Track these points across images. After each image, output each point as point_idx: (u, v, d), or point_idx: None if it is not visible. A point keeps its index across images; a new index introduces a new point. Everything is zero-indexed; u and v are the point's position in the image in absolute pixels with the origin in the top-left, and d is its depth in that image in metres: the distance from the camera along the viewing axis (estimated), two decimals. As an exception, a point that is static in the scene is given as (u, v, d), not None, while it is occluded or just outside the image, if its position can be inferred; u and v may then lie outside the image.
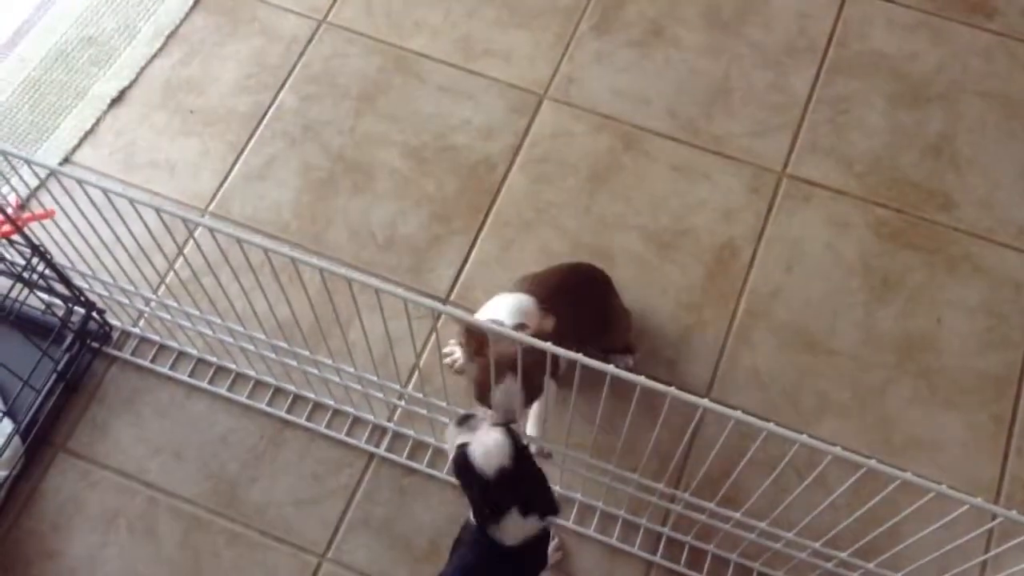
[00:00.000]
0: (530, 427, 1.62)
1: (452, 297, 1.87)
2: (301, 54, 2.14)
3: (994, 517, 1.15)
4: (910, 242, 1.93)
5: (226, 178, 2.00)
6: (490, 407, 1.43)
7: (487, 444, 1.28)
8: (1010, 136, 2.04)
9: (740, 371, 1.81)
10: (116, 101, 2.09)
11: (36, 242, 1.56)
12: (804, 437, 1.14)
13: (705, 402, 1.16)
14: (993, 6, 2.20)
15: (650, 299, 1.85)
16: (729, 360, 1.82)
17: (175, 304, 1.64)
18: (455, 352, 1.79)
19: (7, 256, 1.62)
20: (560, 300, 1.57)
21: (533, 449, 1.61)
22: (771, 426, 1.14)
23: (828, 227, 1.95)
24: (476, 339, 1.40)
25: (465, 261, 1.91)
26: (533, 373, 1.34)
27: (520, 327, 1.43)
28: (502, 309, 1.51)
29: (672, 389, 1.15)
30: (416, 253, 1.92)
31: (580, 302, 1.64)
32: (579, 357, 1.16)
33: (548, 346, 1.17)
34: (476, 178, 2.00)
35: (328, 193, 1.98)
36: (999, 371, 1.81)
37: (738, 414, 1.15)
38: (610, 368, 1.16)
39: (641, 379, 1.16)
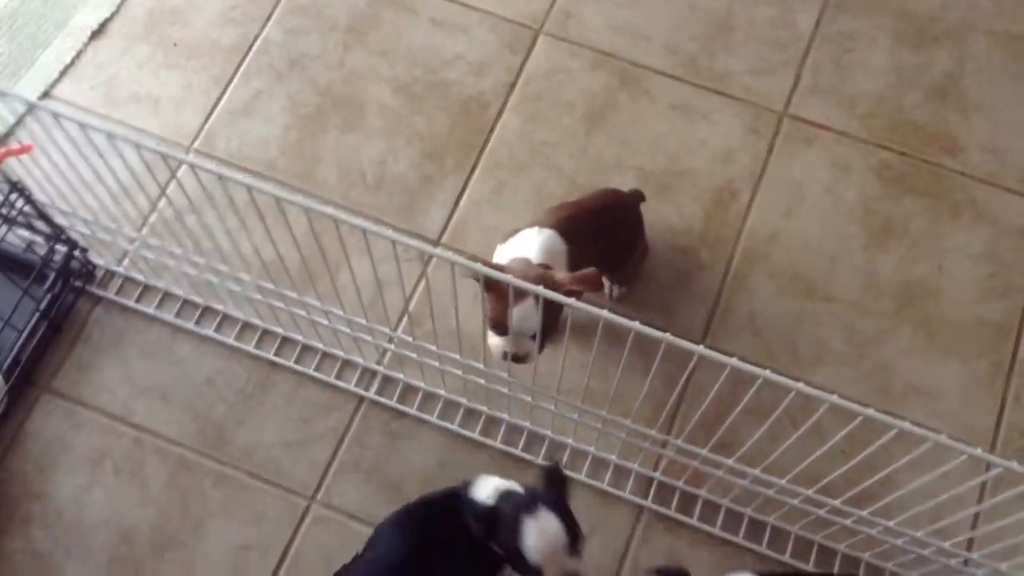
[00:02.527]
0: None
1: (444, 239, 1.83)
2: (288, -15, 2.07)
3: (989, 467, 1.12)
4: (913, 187, 1.89)
5: (211, 113, 1.94)
6: (505, 333, 1.40)
7: (544, 531, 1.26)
8: (1018, 78, 1.99)
9: (736, 316, 1.77)
10: (97, 33, 2.02)
11: (14, 178, 1.51)
12: (800, 385, 1.12)
13: (700, 349, 1.13)
14: (1005, -58, 2.13)
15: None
16: (725, 305, 1.78)
17: (158, 243, 1.59)
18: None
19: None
20: (590, 232, 1.53)
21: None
22: (767, 373, 1.11)
23: (829, 170, 1.90)
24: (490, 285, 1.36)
25: (457, 202, 1.87)
26: (554, 307, 1.31)
27: (545, 268, 1.42)
28: (529, 247, 1.47)
29: (667, 335, 1.12)
30: (407, 193, 1.87)
31: (609, 234, 1.60)
32: (603, 313, 1.12)
33: (572, 302, 1.13)
34: (469, 116, 1.94)
35: (316, 130, 1.92)
36: (999, 319, 1.78)
37: (734, 361, 1.12)
38: (604, 313, 1.12)
39: (636, 324, 1.12)
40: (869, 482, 1.31)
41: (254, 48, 2.00)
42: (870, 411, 1.11)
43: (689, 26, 2.04)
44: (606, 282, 1.75)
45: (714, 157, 1.91)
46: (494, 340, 1.45)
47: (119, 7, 2.04)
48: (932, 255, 1.83)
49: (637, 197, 1.72)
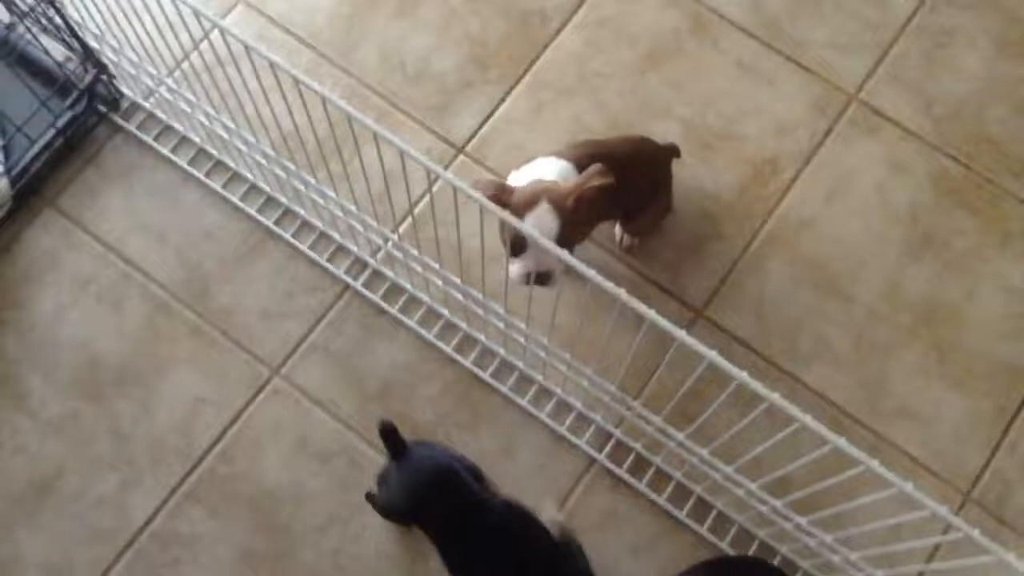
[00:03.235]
0: None
1: (468, 148, 1.78)
2: None
3: (947, 530, 1.05)
4: (968, 203, 1.76)
5: (271, -32, 1.90)
6: (523, 249, 1.36)
7: None
8: (1118, 114, 1.83)
9: (743, 294, 1.70)
10: None
11: (49, -11, 1.50)
12: (775, 397, 1.04)
13: (682, 335, 1.06)
14: None
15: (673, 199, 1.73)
16: (735, 280, 1.71)
17: (175, 87, 1.57)
18: None
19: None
20: (612, 174, 1.44)
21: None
22: (743, 376, 1.04)
23: (885, 166, 1.79)
24: (498, 197, 1.34)
25: (491, 114, 1.80)
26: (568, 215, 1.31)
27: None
28: (543, 174, 1.41)
29: (651, 313, 1.06)
30: (444, 93, 1.82)
31: (629, 183, 1.50)
32: (592, 275, 1.08)
33: (565, 255, 1.09)
34: (527, 27, 1.86)
35: (368, 8, 1.87)
36: (1019, 362, 1.67)
37: (713, 355, 1.06)
38: (593, 274, 1.06)
39: (622, 293, 1.07)
40: (818, 486, 1.24)
41: (330, -90, 1.95)
42: (841, 441, 1.03)
43: (782, -17, 1.91)
44: (617, 230, 1.69)
45: (768, 127, 1.81)
46: (515, 268, 1.39)
47: None
48: (967, 279, 1.71)
49: (670, 151, 1.64)
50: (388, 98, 1.80)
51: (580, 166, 1.43)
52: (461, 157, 1.77)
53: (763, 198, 1.76)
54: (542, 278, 1.37)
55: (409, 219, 1.70)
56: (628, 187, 1.53)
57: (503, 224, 1.36)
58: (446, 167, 1.76)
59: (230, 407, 1.64)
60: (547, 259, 1.36)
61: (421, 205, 1.72)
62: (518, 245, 1.36)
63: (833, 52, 1.86)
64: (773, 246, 1.73)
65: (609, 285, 1.07)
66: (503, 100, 1.81)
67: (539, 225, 1.33)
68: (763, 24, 1.87)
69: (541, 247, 1.27)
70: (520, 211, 1.33)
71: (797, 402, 1.16)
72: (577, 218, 1.35)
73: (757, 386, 1.03)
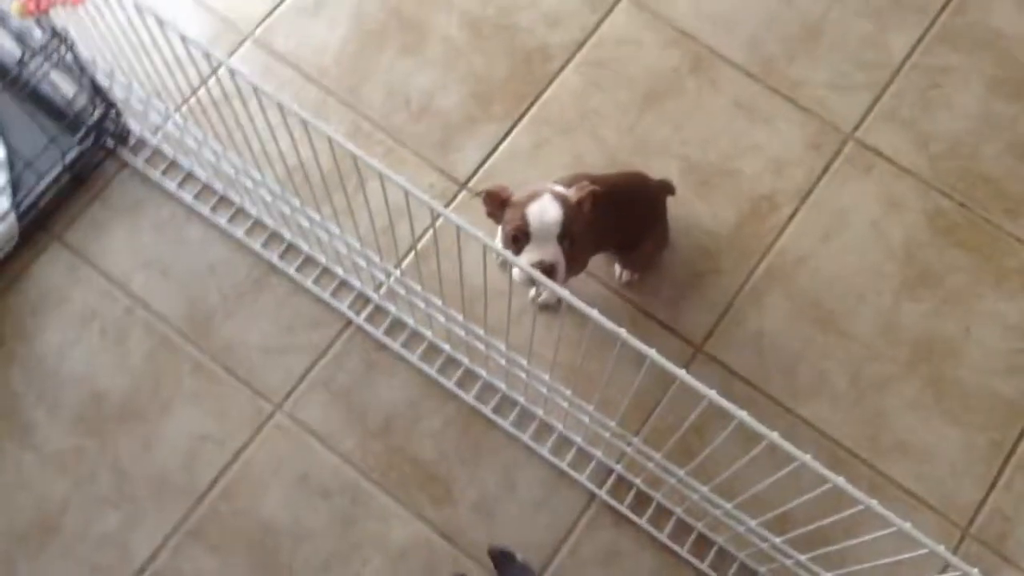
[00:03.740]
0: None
1: (472, 183, 1.80)
2: None
3: (946, 568, 1.06)
4: (963, 240, 1.78)
5: (278, 5, 1.93)
6: (526, 239, 1.37)
7: None
8: (1110, 153, 1.86)
9: (742, 330, 1.71)
10: (189, -97, 2.01)
11: (57, 28, 1.52)
12: (774, 436, 1.06)
13: (682, 374, 1.08)
14: None
15: (671, 235, 1.75)
16: (734, 316, 1.72)
17: (183, 123, 1.60)
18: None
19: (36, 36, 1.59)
20: (601, 205, 1.46)
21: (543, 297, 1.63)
22: (743, 415, 1.06)
23: (881, 204, 1.81)
24: (495, 200, 1.41)
25: (494, 150, 1.83)
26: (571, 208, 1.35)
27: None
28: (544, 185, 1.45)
29: (652, 352, 1.08)
30: (447, 129, 1.84)
31: (621, 213, 1.54)
32: (593, 313, 1.09)
33: (566, 295, 1.11)
34: (529, 66, 1.89)
35: (375, 47, 1.90)
36: (1016, 397, 1.69)
37: (712, 394, 1.07)
38: (594, 313, 1.08)
39: (622, 332, 1.08)
40: (817, 525, 1.26)
41: (335, -49, 1.98)
42: (840, 479, 1.05)
43: (778, 24, 1.94)
44: (616, 267, 1.71)
45: (765, 164, 1.83)
46: (516, 270, 1.39)
47: None
48: (963, 315, 1.73)
49: (664, 187, 1.66)
50: (392, 134, 1.82)
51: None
52: (464, 193, 1.79)
53: (761, 235, 1.78)
54: (547, 271, 1.37)
55: (412, 255, 1.72)
56: (623, 219, 1.56)
57: (507, 220, 1.39)
58: (449, 203, 1.78)
59: (232, 443, 1.64)
60: (551, 248, 1.37)
61: (424, 240, 1.74)
62: (522, 232, 1.37)
63: (830, 91, 1.89)
64: (771, 282, 1.75)
65: (609, 324, 1.09)
66: (505, 137, 1.84)
67: (543, 211, 1.36)
68: (760, 64, 1.91)
69: (544, 236, 1.29)
70: (523, 204, 1.37)
71: (796, 438, 1.18)
72: (580, 214, 1.38)
73: (757, 425, 1.05)
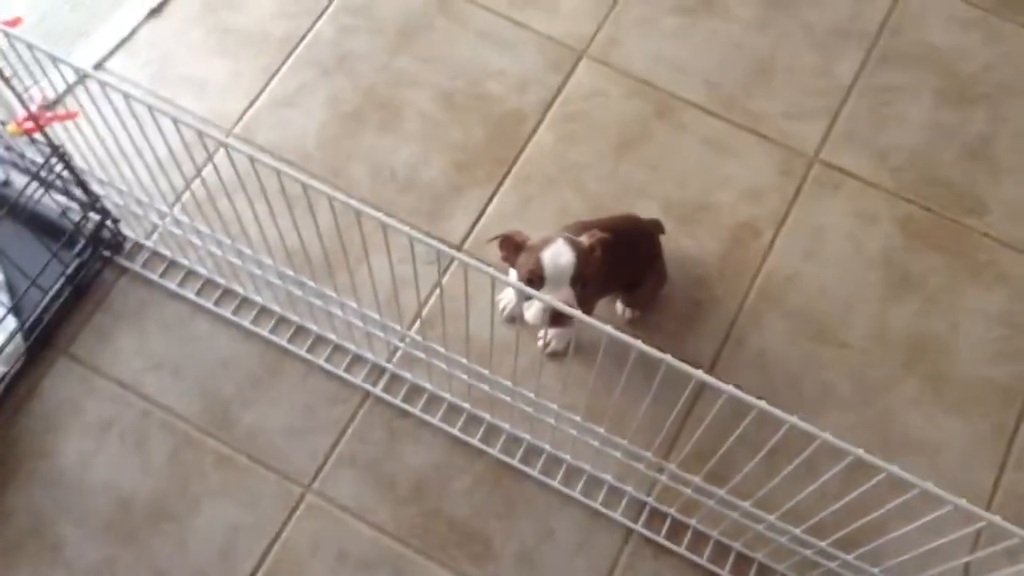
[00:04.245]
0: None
1: (466, 246, 1.86)
2: (343, -15, 2.12)
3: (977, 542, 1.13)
4: (936, 242, 1.89)
5: (254, 101, 1.99)
6: (541, 282, 1.43)
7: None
8: (1052, 146, 1.99)
9: (745, 352, 1.78)
10: (155, 12, 2.08)
11: (57, 143, 1.56)
12: (794, 419, 1.13)
13: (700, 373, 1.14)
14: (1054, 11, 2.13)
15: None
16: (735, 340, 1.80)
17: (187, 220, 1.63)
18: (506, 297, 1.79)
19: (27, 155, 1.63)
20: (613, 248, 1.53)
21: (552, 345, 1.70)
22: (762, 404, 1.12)
23: (854, 218, 1.91)
24: (509, 244, 1.48)
25: (483, 212, 1.89)
26: (585, 258, 1.43)
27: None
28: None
29: (667, 357, 1.14)
30: (435, 199, 1.90)
31: (623, 253, 1.60)
32: (607, 329, 1.15)
33: (580, 314, 1.17)
34: (504, 130, 1.97)
35: (354, 128, 1.96)
36: (1008, 382, 1.78)
37: (731, 388, 1.13)
38: (608, 329, 1.14)
39: (638, 343, 1.14)
40: (858, 524, 1.31)
41: (304, 42, 2.05)
42: (860, 451, 1.12)
43: (731, 65, 2.06)
44: (618, 306, 1.77)
45: (741, 194, 1.93)
46: (533, 308, 1.46)
47: (178, -9, 2.10)
48: (947, 312, 1.83)
49: (656, 226, 1.74)
50: (383, 208, 1.87)
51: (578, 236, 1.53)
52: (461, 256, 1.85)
53: (748, 260, 1.87)
54: (559, 317, 1.43)
55: (421, 316, 1.76)
56: (627, 260, 1.63)
57: (521, 264, 1.46)
58: (445, 270, 1.83)
59: (267, 530, 1.65)
60: (564, 291, 1.43)
61: (431, 302, 1.79)
62: (536, 275, 1.44)
63: (789, 121, 2.00)
64: (765, 303, 1.83)
65: (624, 336, 1.15)
66: (492, 199, 1.91)
67: (557, 256, 1.43)
68: (722, 103, 2.01)
69: (558, 279, 1.37)
70: (537, 248, 1.44)
71: (811, 441, 1.24)
72: (591, 259, 1.45)
73: (808, 427, 1.11)
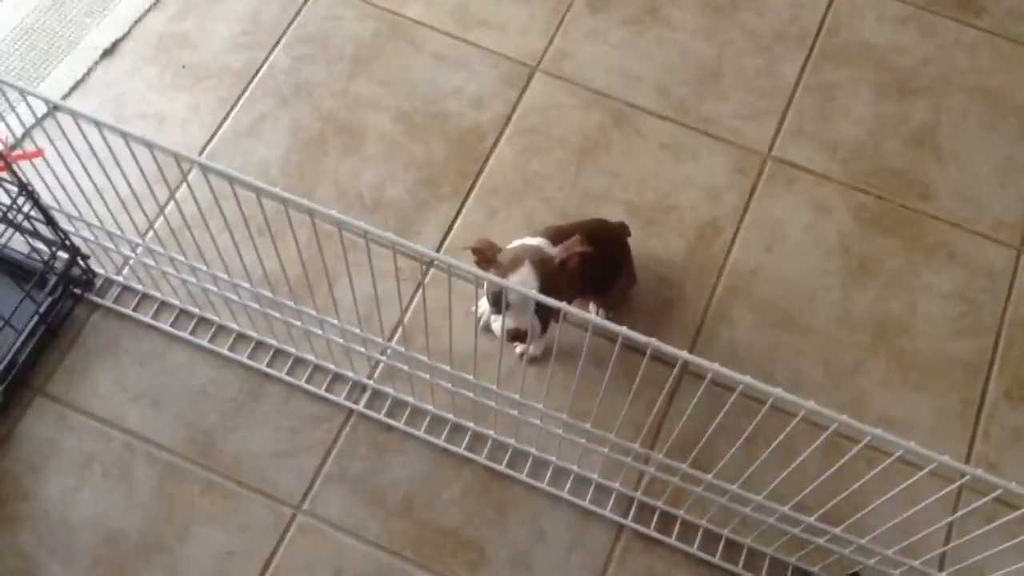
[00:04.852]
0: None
1: (436, 261, 1.88)
2: (296, 14, 2.15)
3: (962, 476, 1.18)
4: (889, 228, 1.96)
5: (215, 133, 2.00)
6: (499, 310, 1.47)
7: None
8: (990, 130, 2.08)
9: (717, 345, 1.83)
10: (108, 52, 2.09)
11: (24, 181, 1.55)
12: (779, 391, 1.17)
13: (685, 354, 1.18)
14: (981, 4, 2.24)
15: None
16: (707, 334, 1.84)
17: (161, 250, 1.64)
18: (482, 306, 1.81)
19: (-6, 195, 1.62)
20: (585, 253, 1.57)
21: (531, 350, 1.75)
22: (747, 379, 1.17)
23: (810, 210, 1.98)
24: (484, 253, 1.53)
25: (451, 226, 1.93)
26: (551, 277, 1.46)
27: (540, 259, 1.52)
28: (529, 242, 1.59)
29: (653, 340, 1.18)
30: (403, 216, 1.93)
31: (595, 254, 1.64)
32: (592, 317, 1.19)
33: (564, 305, 1.20)
34: (465, 146, 2.01)
35: (317, 153, 1.99)
36: (970, 357, 1.85)
37: (716, 367, 1.17)
38: (593, 317, 1.18)
39: (623, 329, 1.18)
40: (843, 495, 1.35)
41: (261, 73, 2.08)
42: (844, 417, 1.16)
43: (680, 71, 2.12)
44: (592, 307, 1.81)
45: (700, 194, 1.98)
46: (495, 325, 1.55)
47: (131, 29, 2.11)
48: (906, 293, 1.90)
49: (623, 228, 1.79)
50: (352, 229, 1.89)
51: (554, 243, 1.58)
52: (432, 271, 1.88)
53: (712, 256, 1.92)
54: (521, 335, 1.52)
55: (403, 324, 1.78)
56: (595, 263, 1.67)
57: (489, 286, 1.53)
58: (419, 284, 1.86)
59: (260, 553, 1.64)
60: (523, 319, 1.51)
61: (413, 307, 1.81)
62: (498, 304, 1.50)
63: (740, 121, 2.07)
64: (732, 297, 1.88)
65: (610, 323, 1.19)
66: (458, 214, 1.94)
67: (521, 283, 1.47)
68: (674, 108, 2.08)
69: (521, 307, 1.46)
70: (506, 269, 1.49)
71: (791, 432, 1.29)
72: (556, 281, 1.50)
73: (793, 397, 1.15)
